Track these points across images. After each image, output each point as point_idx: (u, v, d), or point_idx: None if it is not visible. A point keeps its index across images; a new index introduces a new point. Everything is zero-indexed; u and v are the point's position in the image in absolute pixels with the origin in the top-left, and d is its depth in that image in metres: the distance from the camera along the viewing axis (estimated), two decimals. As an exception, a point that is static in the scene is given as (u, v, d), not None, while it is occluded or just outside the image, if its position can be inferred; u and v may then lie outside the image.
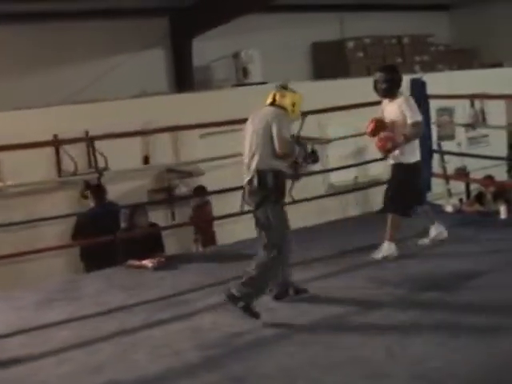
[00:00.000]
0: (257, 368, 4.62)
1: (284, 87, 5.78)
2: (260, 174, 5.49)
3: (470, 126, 11.36)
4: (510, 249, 6.75)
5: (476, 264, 6.35)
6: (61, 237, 8.31)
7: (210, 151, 9.36)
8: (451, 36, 15.13)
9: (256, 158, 5.51)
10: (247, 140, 5.63)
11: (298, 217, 7.43)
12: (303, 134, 6.69)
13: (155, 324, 5.56)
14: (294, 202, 7.54)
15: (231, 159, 8.36)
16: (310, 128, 7.82)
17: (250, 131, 5.62)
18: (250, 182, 5.55)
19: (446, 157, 10.08)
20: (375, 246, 6.78)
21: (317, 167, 7.02)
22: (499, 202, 8.40)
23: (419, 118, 6.63)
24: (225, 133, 8.73)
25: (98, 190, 8.28)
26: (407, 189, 6.74)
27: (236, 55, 11.58)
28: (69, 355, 5.08)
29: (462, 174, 10.64)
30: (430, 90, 8.61)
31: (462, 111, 10.59)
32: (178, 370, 4.73)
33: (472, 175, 10.68)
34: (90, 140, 8.34)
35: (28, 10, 10.12)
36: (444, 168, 10.11)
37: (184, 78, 11.79)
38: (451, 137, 11.55)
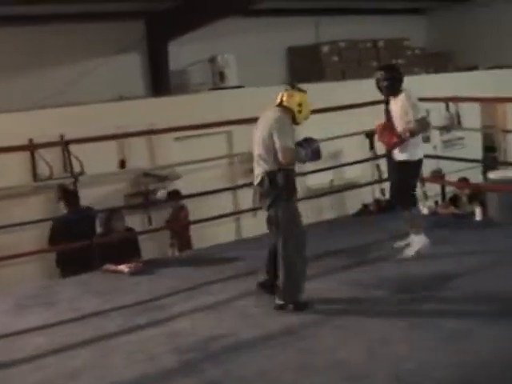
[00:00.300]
0: (235, 372, 4.61)
1: (292, 86, 5.80)
2: (270, 174, 5.53)
3: (445, 129, 11.43)
4: (485, 250, 6.80)
5: (452, 266, 6.39)
6: (36, 242, 8.24)
7: (186, 155, 9.34)
8: (427, 40, 15.22)
9: (264, 161, 5.56)
10: (255, 143, 5.67)
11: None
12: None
13: (131, 329, 5.53)
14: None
15: (208, 163, 8.36)
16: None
17: (258, 134, 5.66)
18: (261, 183, 5.59)
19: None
20: (350, 250, 6.79)
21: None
22: (474, 204, 8.47)
23: (423, 113, 6.70)
24: (201, 136, 8.72)
25: (70, 196, 8.20)
26: (414, 183, 6.92)
27: (212, 59, 11.57)
28: (43, 362, 5.04)
29: (438, 176, 10.69)
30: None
31: (438, 114, 10.63)
32: (155, 375, 4.70)
33: (447, 178, 10.74)
34: (65, 144, 8.29)
35: (1, 14, 10.03)
36: (419, 170, 10.14)
37: (160, 81, 11.75)
38: (426, 139, 11.61)
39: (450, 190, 10.48)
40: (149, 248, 8.57)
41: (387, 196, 9.04)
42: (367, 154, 9.96)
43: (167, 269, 7.23)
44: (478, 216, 8.05)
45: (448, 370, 4.36)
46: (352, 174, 10.06)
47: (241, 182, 9.91)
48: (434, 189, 10.67)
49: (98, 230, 7.83)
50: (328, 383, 4.38)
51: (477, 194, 8.79)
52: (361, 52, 13.19)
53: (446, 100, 9.58)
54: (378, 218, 8.55)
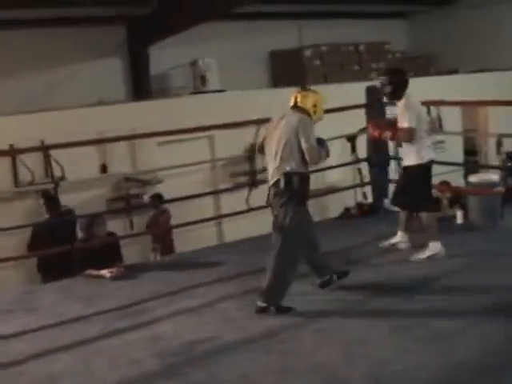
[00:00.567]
0: (217, 375, 4.60)
1: (305, 89, 5.86)
2: (286, 176, 5.54)
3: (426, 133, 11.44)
4: (466, 253, 6.84)
5: (433, 269, 6.42)
6: (17, 247, 8.19)
7: (167, 159, 9.32)
8: (408, 43, 15.31)
9: (284, 162, 5.55)
10: (273, 145, 5.66)
11: (254, 224, 7.46)
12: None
13: (113, 333, 5.50)
14: (251, 209, 7.57)
15: (190, 167, 8.34)
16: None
17: (277, 137, 5.65)
18: (276, 183, 5.60)
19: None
20: (332, 252, 6.77)
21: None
22: (455, 208, 8.50)
23: (413, 124, 6.66)
24: (183, 141, 8.70)
25: (50, 201, 8.16)
26: (427, 186, 6.94)
27: (194, 63, 11.57)
28: (25, 367, 5.00)
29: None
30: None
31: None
32: (137, 379, 4.69)
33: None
34: (45, 149, 8.25)
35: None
36: (401, 174, 10.17)
37: (141, 86, 11.75)
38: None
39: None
40: (131, 253, 8.54)
41: (369, 199, 9.08)
42: (349, 157, 9.97)
43: (149, 273, 7.20)
44: (459, 219, 8.10)
45: (432, 371, 4.37)
46: (334, 177, 10.06)
47: (223, 186, 9.92)
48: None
49: (80, 235, 7.79)
50: (309, 385, 4.39)
51: (458, 198, 8.82)
52: (343, 56, 13.26)
53: (428, 104, 9.62)
54: (359, 222, 8.56)
